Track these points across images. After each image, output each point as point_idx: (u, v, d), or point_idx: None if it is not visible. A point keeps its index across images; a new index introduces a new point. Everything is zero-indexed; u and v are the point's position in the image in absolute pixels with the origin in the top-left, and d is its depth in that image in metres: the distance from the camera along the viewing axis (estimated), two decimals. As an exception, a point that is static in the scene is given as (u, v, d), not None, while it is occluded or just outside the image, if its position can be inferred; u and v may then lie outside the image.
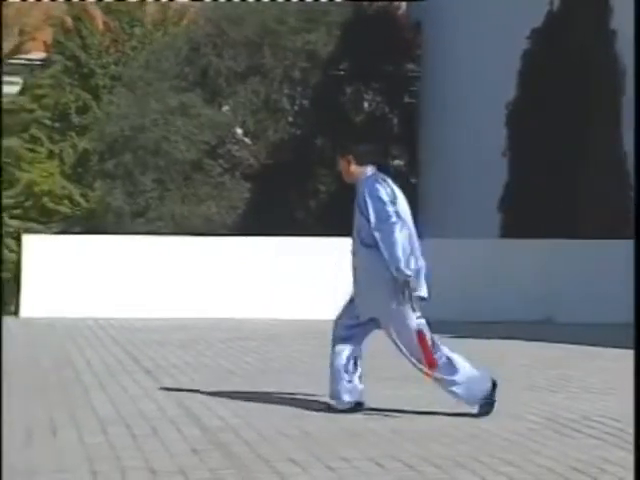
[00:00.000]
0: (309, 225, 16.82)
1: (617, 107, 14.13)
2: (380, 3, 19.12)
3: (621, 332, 10.11)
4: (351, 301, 6.28)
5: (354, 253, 6.25)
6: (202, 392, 6.99)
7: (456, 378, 6.09)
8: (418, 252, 6.13)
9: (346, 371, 6.21)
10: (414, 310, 6.08)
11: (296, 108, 18.63)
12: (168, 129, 17.81)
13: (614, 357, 9.32)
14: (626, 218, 13.48)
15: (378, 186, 6.14)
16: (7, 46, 16.67)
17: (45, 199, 15.78)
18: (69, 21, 20.12)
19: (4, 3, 17.16)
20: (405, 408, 6.34)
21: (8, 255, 14.93)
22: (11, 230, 15.03)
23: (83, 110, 19.37)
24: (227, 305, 13.21)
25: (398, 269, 5.97)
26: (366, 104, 18.90)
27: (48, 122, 17.30)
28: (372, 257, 6.07)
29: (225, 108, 18.29)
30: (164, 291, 13.35)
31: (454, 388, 6.13)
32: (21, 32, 16.67)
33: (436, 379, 6.16)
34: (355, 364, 6.25)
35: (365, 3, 19.00)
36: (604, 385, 7.57)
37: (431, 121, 18.77)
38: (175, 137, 17.76)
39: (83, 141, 18.58)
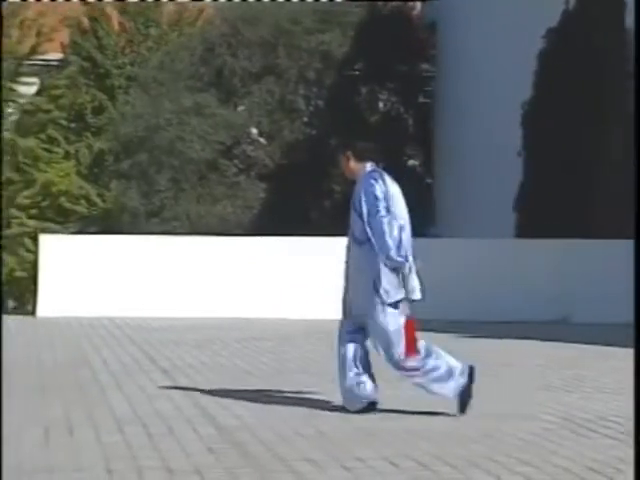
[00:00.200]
0: (324, 225, 16.83)
1: (633, 107, 14.07)
2: (395, 3, 19.11)
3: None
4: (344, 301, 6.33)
5: (348, 249, 6.34)
6: (218, 392, 7.02)
7: (435, 374, 6.11)
8: (410, 252, 6.17)
9: (356, 372, 6.23)
10: (399, 302, 6.05)
11: (311, 108, 18.64)
12: (183, 129, 17.86)
13: (628, 357, 9.29)
14: (641, 218, 13.43)
15: (373, 182, 6.20)
16: (25, 47, 16.76)
17: (62, 199, 15.85)
18: (85, 22, 20.20)
19: (23, 4, 17.25)
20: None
21: (25, 255, 15.00)
22: (28, 230, 15.10)
23: (99, 110, 19.45)
24: (242, 305, 13.25)
25: (388, 257, 6.03)
26: (381, 104, 18.90)
27: (64, 122, 17.37)
28: (362, 254, 6.16)
29: (240, 108, 18.33)
30: (180, 291, 13.40)
31: (430, 384, 6.13)
32: (38, 33, 16.75)
33: (412, 372, 6.14)
34: (363, 363, 6.26)
35: (380, 3, 19.00)
36: (618, 385, 7.56)
37: (446, 121, 18.75)
38: (190, 137, 17.81)
39: (99, 141, 18.66)
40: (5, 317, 13.54)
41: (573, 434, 5.71)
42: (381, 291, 6.07)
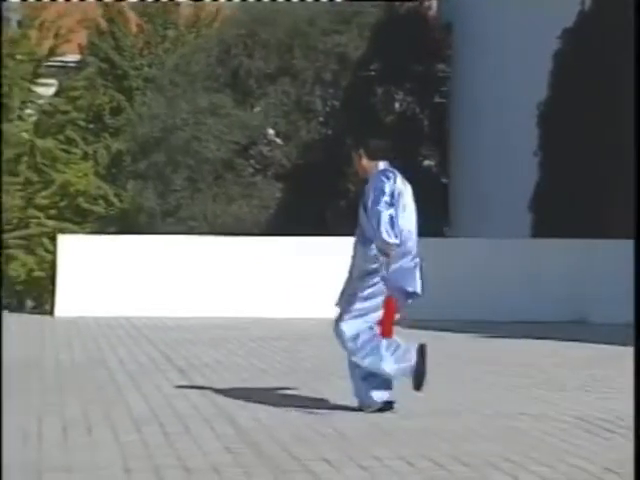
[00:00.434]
0: (340, 225, 16.86)
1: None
2: (411, 4, 19.11)
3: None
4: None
5: (354, 246, 6.37)
6: (234, 391, 7.05)
7: (393, 357, 6.12)
8: (414, 249, 6.18)
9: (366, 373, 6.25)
10: (376, 276, 6.08)
11: (327, 109, 18.67)
12: (199, 129, 17.93)
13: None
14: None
15: (385, 179, 6.22)
16: (43, 49, 16.88)
17: (80, 199, 15.94)
18: (103, 23, 20.31)
19: (43, 6, 17.37)
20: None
21: (44, 255, 15.09)
22: (47, 230, 15.19)
23: (117, 111, 19.55)
24: (257, 304, 13.29)
25: (382, 239, 6.04)
26: (397, 104, 18.90)
27: (82, 123, 17.47)
28: (363, 254, 6.20)
29: (257, 109, 18.38)
30: (196, 290, 13.45)
31: (388, 366, 6.14)
32: (56, 35, 16.85)
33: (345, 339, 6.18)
34: None
35: (397, 4, 19.00)
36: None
37: (462, 121, 18.73)
38: (206, 136, 17.87)
39: (116, 142, 18.76)
40: (24, 316, 13.65)
41: (589, 434, 5.71)
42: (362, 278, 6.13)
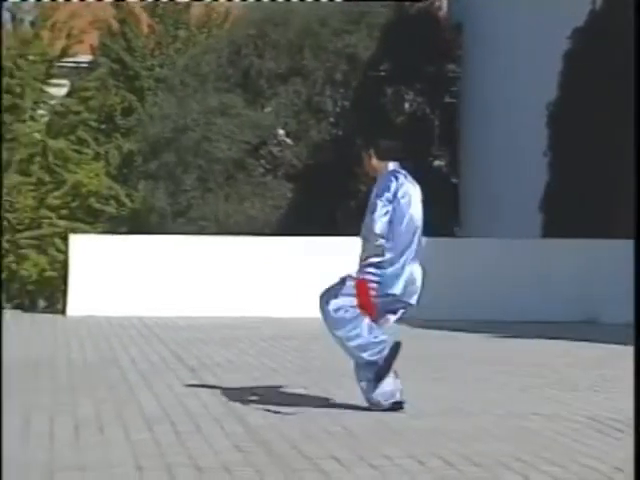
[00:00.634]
0: (350, 225, 16.86)
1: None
2: (421, 4, 19.11)
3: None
4: None
5: (361, 248, 6.40)
6: (245, 390, 7.08)
7: (371, 341, 6.13)
8: (411, 255, 6.18)
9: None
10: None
11: (337, 109, 18.68)
12: (209, 129, 17.96)
13: (657, 358, 9.26)
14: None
15: (393, 179, 6.26)
16: (55, 49, 16.93)
17: (91, 199, 15.98)
18: (115, 24, 20.36)
19: (54, 5, 17.43)
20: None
21: (56, 254, 15.15)
22: (59, 230, 15.25)
23: (128, 112, 19.60)
24: (268, 304, 13.32)
25: (371, 228, 6.10)
26: (407, 105, 18.90)
27: (94, 124, 17.52)
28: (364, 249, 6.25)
29: (267, 109, 18.41)
30: (207, 290, 13.49)
31: (347, 342, 6.16)
32: (68, 35, 16.91)
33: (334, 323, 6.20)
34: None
35: (407, 4, 19.00)
36: (646, 386, 7.54)
37: (472, 121, 18.72)
38: (216, 136, 17.90)
39: (128, 142, 18.80)
40: (37, 316, 13.72)
41: (600, 434, 5.72)
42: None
